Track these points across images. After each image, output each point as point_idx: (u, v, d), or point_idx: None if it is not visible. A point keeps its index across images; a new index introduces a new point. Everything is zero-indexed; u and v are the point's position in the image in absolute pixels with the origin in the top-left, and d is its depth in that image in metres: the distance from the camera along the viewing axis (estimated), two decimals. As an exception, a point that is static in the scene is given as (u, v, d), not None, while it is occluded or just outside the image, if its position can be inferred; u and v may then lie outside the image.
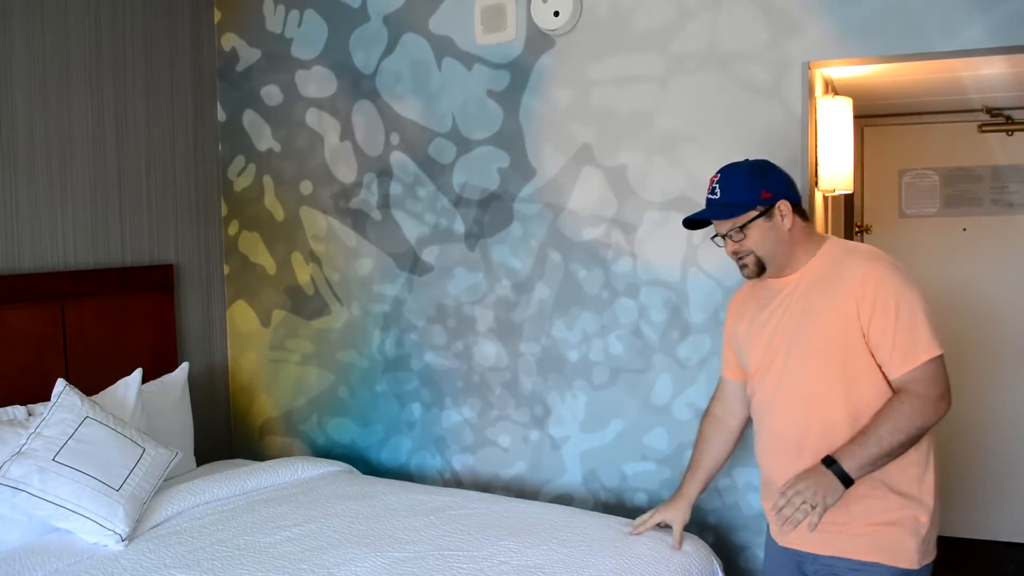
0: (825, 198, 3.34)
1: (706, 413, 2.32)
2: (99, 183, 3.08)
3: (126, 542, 2.37)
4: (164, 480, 2.65)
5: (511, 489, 2.98)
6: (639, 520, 2.36)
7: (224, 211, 3.52)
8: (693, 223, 2.09)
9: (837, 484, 1.82)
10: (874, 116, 4.35)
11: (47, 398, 2.63)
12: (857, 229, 4.51)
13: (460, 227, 3.04)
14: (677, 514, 2.29)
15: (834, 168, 2.96)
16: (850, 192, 3.30)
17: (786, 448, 1.98)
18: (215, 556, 2.28)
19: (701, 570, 2.28)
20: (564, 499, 2.89)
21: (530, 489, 2.97)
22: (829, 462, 1.83)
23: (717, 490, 2.68)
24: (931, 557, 1.94)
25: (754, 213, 1.96)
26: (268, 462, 3.01)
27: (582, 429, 2.88)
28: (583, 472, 2.89)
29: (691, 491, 2.30)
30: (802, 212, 2.04)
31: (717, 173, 2.03)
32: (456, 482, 3.09)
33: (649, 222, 2.74)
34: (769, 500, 2.06)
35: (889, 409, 1.85)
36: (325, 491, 2.78)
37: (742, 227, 1.97)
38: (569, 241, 2.87)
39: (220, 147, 3.50)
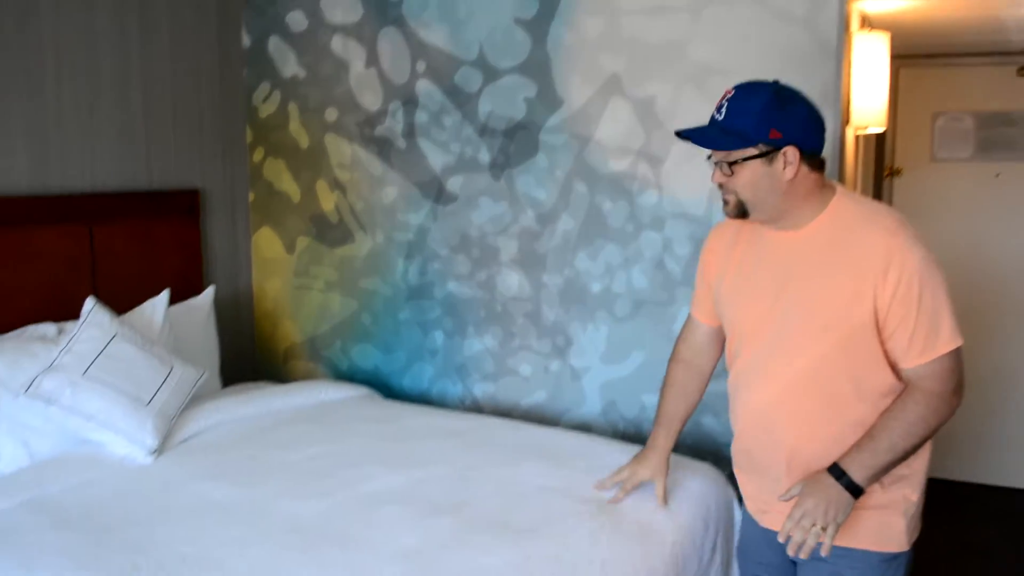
0: (856, 137, 3.30)
1: (673, 356, 2.09)
2: (125, 107, 3.08)
3: (155, 455, 2.43)
4: (191, 399, 2.70)
5: (531, 417, 3.02)
6: (612, 482, 2.15)
7: (249, 138, 3.52)
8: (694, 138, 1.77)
9: (847, 498, 1.65)
10: (910, 56, 4.26)
11: (76, 317, 2.68)
12: (887, 172, 4.45)
13: (485, 157, 3.03)
14: (656, 471, 2.11)
15: (867, 104, 2.91)
16: (882, 131, 3.25)
17: (770, 435, 1.79)
18: (242, 470, 2.33)
19: (717, 500, 2.31)
20: (583, 429, 2.92)
21: (549, 418, 3.01)
22: (838, 474, 1.66)
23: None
24: (918, 533, 1.81)
25: (752, 152, 1.65)
26: (292, 384, 3.07)
27: (603, 360, 2.91)
28: (603, 403, 2.92)
29: (664, 443, 2.11)
30: (818, 162, 1.71)
31: (732, 89, 1.70)
32: (476, 409, 3.13)
33: (676, 154, 2.72)
34: (746, 474, 1.91)
35: (901, 410, 1.66)
36: (348, 413, 2.83)
37: (733, 163, 1.68)
38: (595, 172, 2.86)
39: (245, 73, 3.48)
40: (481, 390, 3.13)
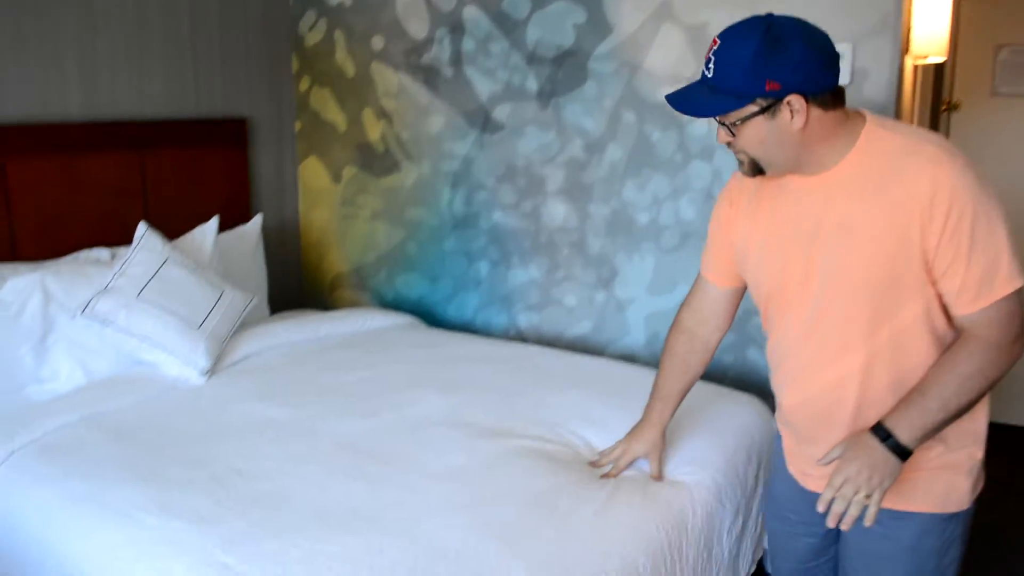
0: (915, 67, 3.19)
1: (675, 325, 1.88)
2: (173, 36, 3.08)
3: (207, 376, 2.49)
4: (239, 325, 2.75)
5: (574, 348, 3.02)
6: (605, 459, 2.02)
7: (295, 67, 3.51)
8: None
9: (893, 461, 1.47)
10: (974, -16, 4.09)
11: (128, 243, 2.73)
12: (945, 106, 4.31)
13: (533, 85, 2.99)
14: (652, 447, 1.97)
15: (928, 33, 2.81)
16: (942, 61, 3.14)
17: (824, 410, 1.59)
18: (292, 391, 2.38)
19: (761, 432, 2.31)
20: (627, 359, 2.93)
21: (593, 348, 3.01)
22: (883, 435, 1.48)
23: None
24: (981, 485, 1.64)
25: (752, 109, 1.44)
26: (339, 311, 3.11)
27: (648, 291, 2.89)
28: (647, 334, 2.92)
29: (661, 417, 1.95)
30: (833, 97, 1.46)
31: (717, 38, 1.46)
32: (520, 339, 3.15)
33: (728, 82, 2.65)
34: (792, 436, 1.73)
35: (954, 362, 1.47)
36: (394, 340, 2.86)
37: (734, 124, 1.47)
38: (644, 101, 2.81)
39: (291, 1, 3.46)
40: (526, 320, 3.14)
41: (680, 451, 2.08)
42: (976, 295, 1.43)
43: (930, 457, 1.55)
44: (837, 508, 1.47)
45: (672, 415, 1.95)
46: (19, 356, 2.45)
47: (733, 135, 1.49)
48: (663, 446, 1.99)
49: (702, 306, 1.83)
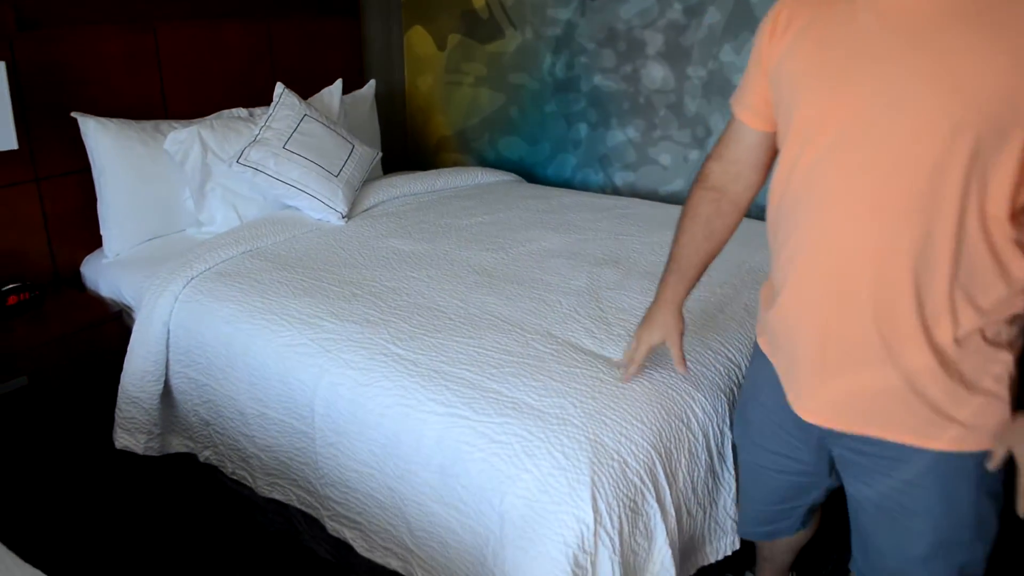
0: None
1: (700, 180, 1.54)
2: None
3: (345, 219, 2.80)
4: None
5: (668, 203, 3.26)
6: (623, 360, 1.77)
7: (401, -63, 3.68)
8: None
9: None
10: None
11: (260, 103, 3.02)
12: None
13: (634, -49, 3.13)
14: (669, 330, 1.66)
15: None
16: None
17: (846, 296, 1.24)
18: (422, 231, 2.69)
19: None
20: (717, 214, 3.15)
21: (686, 204, 3.23)
22: None
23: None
24: None
25: None
26: (450, 168, 3.38)
27: (740, 149, 3.08)
28: (737, 190, 3.12)
29: (675, 295, 1.63)
30: None
31: None
32: (617, 195, 3.39)
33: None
34: (781, 350, 1.42)
35: None
36: (504, 192, 3.14)
37: None
38: (744, -35, 2.93)
39: None
40: (622, 179, 3.38)
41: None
42: None
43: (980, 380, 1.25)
44: None
45: (689, 292, 1.63)
46: (182, 201, 2.79)
47: None
48: (681, 327, 1.67)
49: (734, 154, 1.49)
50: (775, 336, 1.43)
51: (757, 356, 1.54)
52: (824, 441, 1.42)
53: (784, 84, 1.30)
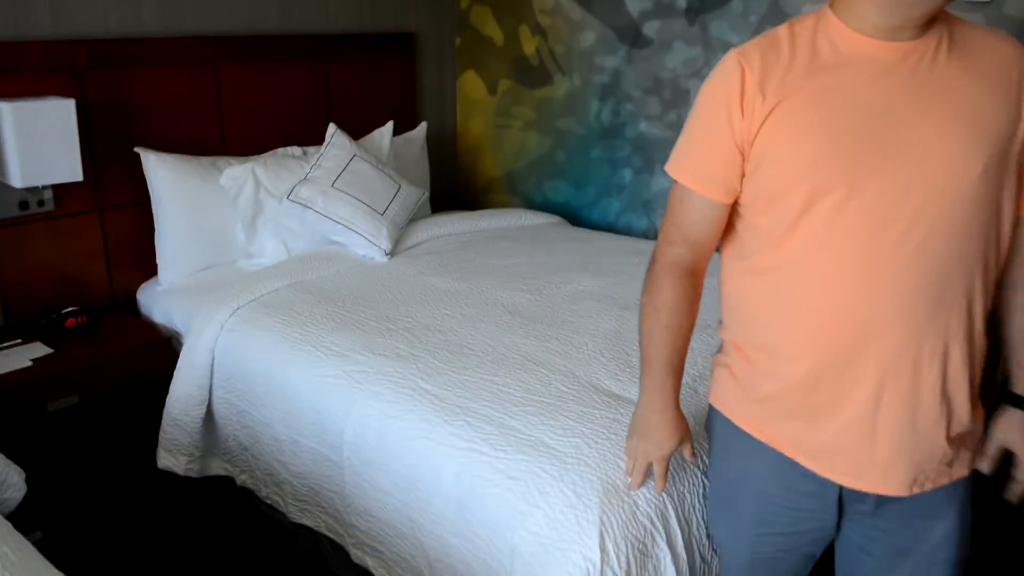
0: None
1: (667, 269, 1.42)
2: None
3: (388, 256, 2.89)
4: (410, 217, 3.14)
5: (709, 250, 3.28)
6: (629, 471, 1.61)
7: (458, -15, 3.82)
8: None
9: None
10: None
11: (313, 143, 3.14)
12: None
13: (681, 2, 3.19)
14: (684, 432, 1.53)
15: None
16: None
17: (910, 365, 1.22)
18: (461, 270, 2.76)
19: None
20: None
21: (727, 251, 3.25)
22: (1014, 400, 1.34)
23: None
24: None
25: None
26: (495, 209, 3.46)
27: (782, 198, 3.09)
28: (778, 238, 3.13)
29: (676, 394, 1.49)
30: None
31: None
32: (658, 241, 3.42)
33: None
34: (810, 420, 1.31)
35: None
36: (546, 234, 3.21)
37: None
38: (788, 15, 2.96)
39: (457, -77, 3.74)
40: (664, 224, 3.40)
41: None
42: None
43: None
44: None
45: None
46: (235, 234, 2.91)
47: None
48: (687, 426, 1.54)
49: (705, 235, 1.38)
50: (830, 444, 1.30)
51: (736, 446, 1.42)
52: (840, 498, 1.35)
53: (784, 158, 1.24)
